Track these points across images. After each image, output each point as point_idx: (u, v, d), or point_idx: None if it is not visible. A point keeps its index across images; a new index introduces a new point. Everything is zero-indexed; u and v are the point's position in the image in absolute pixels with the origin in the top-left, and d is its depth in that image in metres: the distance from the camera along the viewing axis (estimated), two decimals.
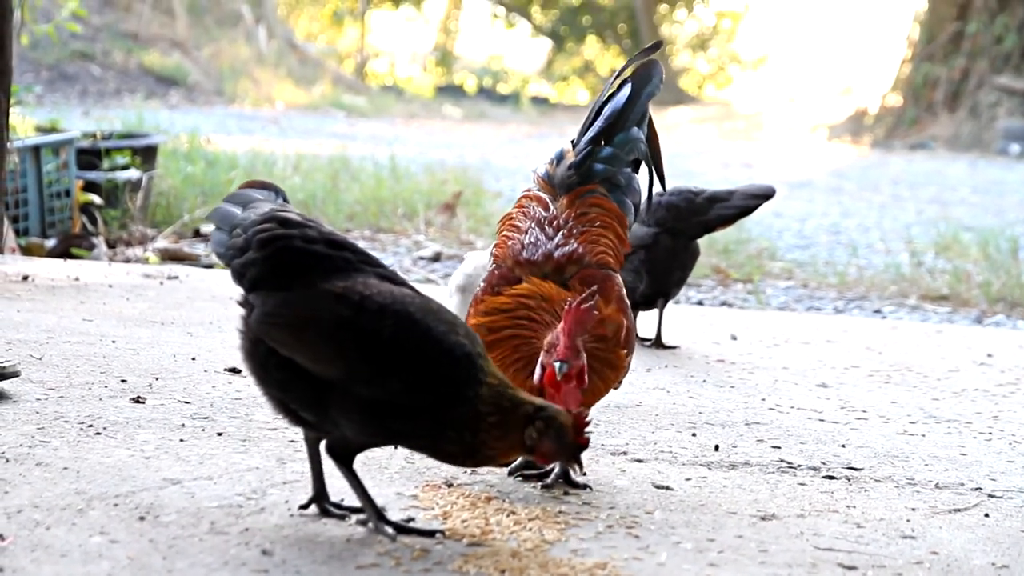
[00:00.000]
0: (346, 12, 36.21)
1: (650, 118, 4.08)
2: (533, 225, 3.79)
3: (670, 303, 6.20)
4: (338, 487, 3.34)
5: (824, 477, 4.04)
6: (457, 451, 3.09)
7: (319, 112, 24.06)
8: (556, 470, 3.73)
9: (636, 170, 4.03)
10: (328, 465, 3.26)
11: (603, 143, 3.93)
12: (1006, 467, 4.30)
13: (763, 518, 3.58)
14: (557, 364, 3.41)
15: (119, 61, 24.39)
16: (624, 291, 3.76)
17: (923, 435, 4.66)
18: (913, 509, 3.78)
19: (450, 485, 3.62)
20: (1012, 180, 17.88)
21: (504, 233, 3.83)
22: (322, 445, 3.23)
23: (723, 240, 9.72)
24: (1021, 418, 5.02)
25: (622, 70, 4.06)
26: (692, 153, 19.03)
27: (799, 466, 4.14)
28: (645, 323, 6.13)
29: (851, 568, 3.24)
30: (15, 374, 4.29)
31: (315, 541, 3.14)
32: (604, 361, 3.63)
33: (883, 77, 26.61)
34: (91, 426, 3.94)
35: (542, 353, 3.48)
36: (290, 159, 12.89)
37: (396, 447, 3.40)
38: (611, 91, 4.02)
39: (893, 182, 17.08)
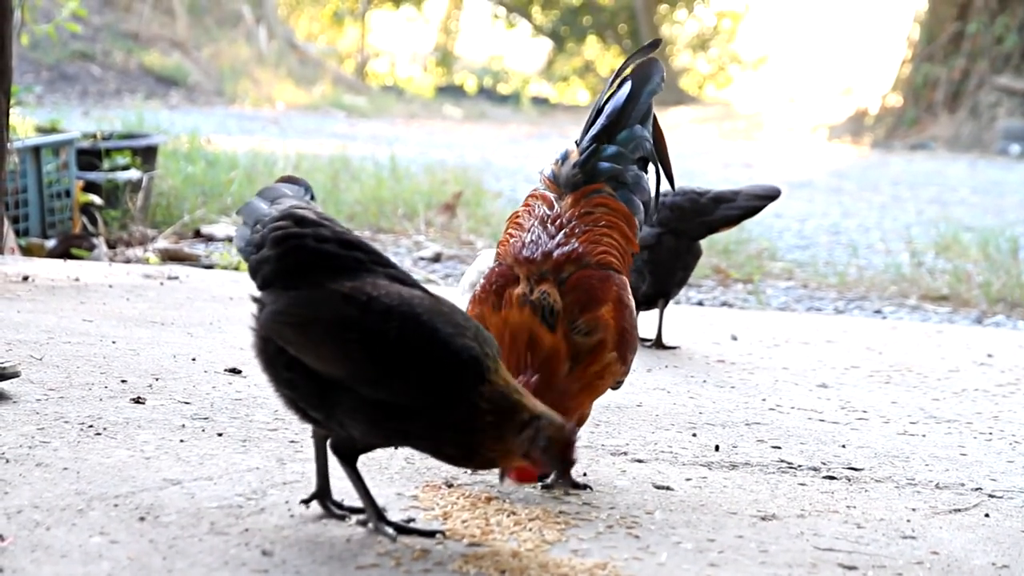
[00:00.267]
0: (346, 12, 36.24)
1: (655, 117, 4.08)
2: (536, 223, 3.79)
3: (670, 303, 6.20)
4: (338, 487, 3.34)
5: (824, 477, 4.04)
6: (456, 453, 3.09)
7: (319, 112, 24.07)
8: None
9: (644, 169, 4.02)
10: (332, 465, 3.26)
11: (607, 141, 3.92)
12: (1006, 467, 4.30)
13: (763, 518, 3.58)
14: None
15: (119, 61, 24.40)
16: (626, 291, 3.75)
17: (923, 435, 4.66)
18: (913, 509, 3.78)
19: (450, 485, 3.62)
20: (1012, 180, 17.89)
21: (508, 231, 3.83)
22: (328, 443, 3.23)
23: (723, 240, 9.73)
24: (1021, 418, 5.02)
25: (621, 69, 4.05)
26: (693, 153, 19.03)
27: (799, 466, 4.14)
28: (646, 323, 6.13)
29: (851, 568, 3.24)
30: (15, 374, 4.29)
31: (315, 541, 3.14)
32: (582, 383, 3.63)
33: (883, 77, 26.63)
34: (91, 426, 3.94)
35: None
36: (290, 159, 12.89)
37: (397, 448, 3.40)
38: (611, 90, 4.01)
39: (893, 182, 17.09)
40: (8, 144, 7.43)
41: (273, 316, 3.10)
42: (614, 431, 4.41)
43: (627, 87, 3.99)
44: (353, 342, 3.02)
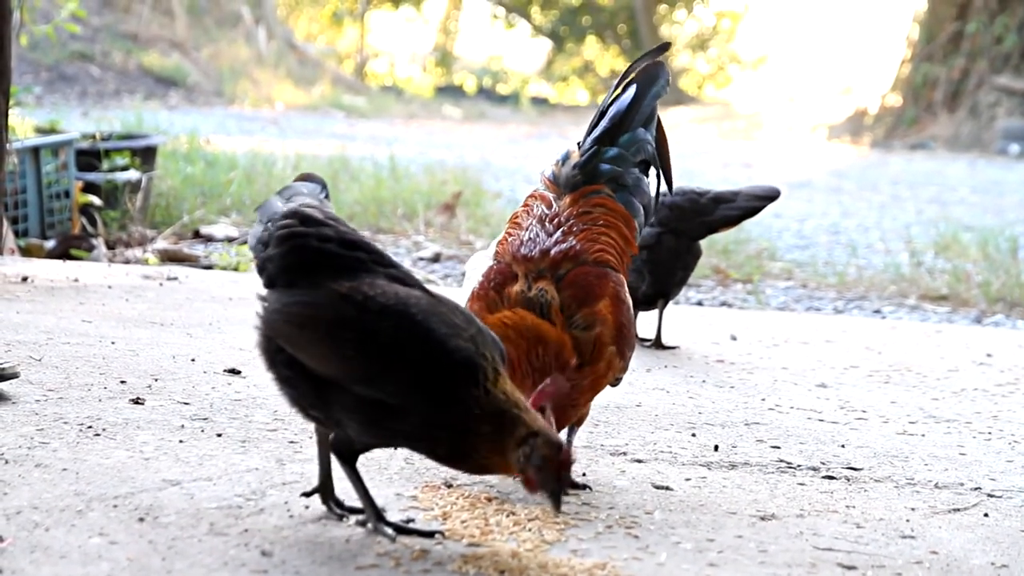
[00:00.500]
0: (346, 12, 36.24)
1: (659, 120, 4.08)
2: (534, 222, 3.80)
3: (670, 303, 6.20)
4: (338, 488, 3.33)
5: (823, 477, 4.04)
6: (449, 455, 3.08)
7: (319, 112, 24.07)
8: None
9: (645, 172, 4.02)
10: (334, 465, 3.26)
11: (609, 143, 3.92)
12: (1005, 467, 4.30)
13: (763, 518, 3.58)
14: None
15: (118, 62, 24.40)
16: (623, 289, 3.75)
17: (922, 435, 4.66)
18: (912, 509, 3.78)
19: (449, 486, 3.62)
20: (1012, 180, 17.89)
21: (508, 230, 3.84)
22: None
23: (723, 240, 9.73)
24: (1020, 418, 5.02)
25: (627, 71, 4.05)
26: (692, 153, 19.03)
27: (798, 466, 4.14)
28: (645, 323, 6.13)
29: (850, 568, 3.25)
30: (14, 375, 4.29)
31: (315, 542, 3.14)
32: (582, 389, 3.64)
33: (883, 77, 26.63)
34: (90, 427, 3.94)
35: None
36: (290, 160, 12.89)
37: (395, 448, 3.40)
38: (616, 92, 4.02)
39: (893, 182, 17.09)
40: (7, 145, 7.43)
41: (271, 314, 3.12)
42: (613, 431, 4.41)
43: (632, 90, 3.99)
44: (348, 341, 3.02)
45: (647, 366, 5.55)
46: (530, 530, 3.31)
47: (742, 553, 3.29)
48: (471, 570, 3.02)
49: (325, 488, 3.31)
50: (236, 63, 26.06)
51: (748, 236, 10.35)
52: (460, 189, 11.55)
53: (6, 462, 3.55)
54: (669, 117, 27.48)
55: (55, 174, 8.47)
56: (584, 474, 3.86)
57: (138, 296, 6.30)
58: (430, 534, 3.20)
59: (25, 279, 6.44)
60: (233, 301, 6.33)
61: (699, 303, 8.49)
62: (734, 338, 6.33)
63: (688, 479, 3.92)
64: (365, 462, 3.62)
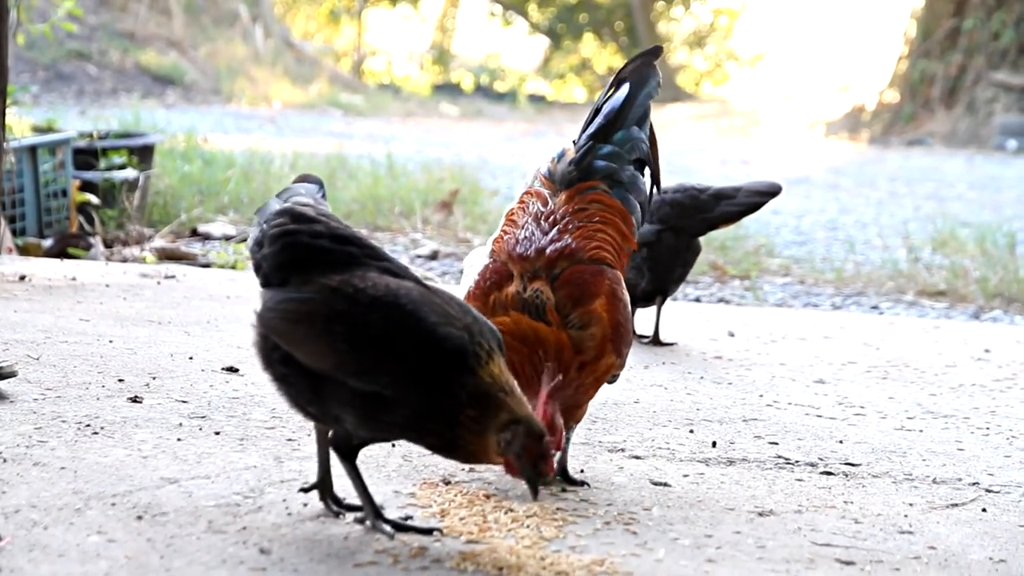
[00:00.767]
0: (343, 10, 36.23)
1: (650, 121, 4.08)
2: (530, 220, 3.80)
3: (668, 300, 6.20)
4: (337, 485, 3.34)
5: (821, 473, 4.05)
6: (439, 443, 3.09)
7: (316, 111, 24.06)
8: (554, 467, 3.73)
9: (641, 170, 4.02)
10: (333, 462, 3.27)
11: (603, 140, 3.93)
12: (1003, 462, 4.31)
13: (761, 514, 3.59)
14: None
15: (115, 60, 24.39)
16: (620, 286, 3.75)
17: (920, 430, 4.67)
18: (911, 504, 3.78)
19: (447, 483, 3.62)
20: (1009, 176, 17.89)
21: (503, 228, 3.84)
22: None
23: (721, 237, 9.72)
24: (1018, 413, 5.03)
25: (620, 71, 4.06)
26: (690, 150, 19.03)
27: (796, 462, 4.14)
28: (643, 320, 6.13)
29: (849, 563, 3.25)
30: (12, 374, 4.29)
31: (313, 539, 3.14)
32: (584, 387, 3.65)
33: (880, 73, 26.63)
34: (88, 426, 3.94)
35: None
36: (287, 158, 12.89)
37: (391, 442, 3.40)
38: (610, 91, 4.02)
39: (890, 178, 17.09)
40: (5, 144, 7.43)
41: (267, 312, 3.12)
42: (611, 428, 4.41)
43: (625, 89, 4.00)
44: (339, 335, 3.03)
45: (645, 363, 5.55)
46: (528, 527, 3.31)
47: (740, 549, 3.29)
48: (469, 567, 3.02)
49: (323, 485, 3.32)
50: (233, 61, 26.04)
51: (746, 232, 10.36)
52: (457, 187, 11.55)
53: (4, 461, 3.55)
54: (666, 114, 27.52)
55: (52, 173, 8.47)
56: (582, 470, 3.86)
57: (136, 295, 6.30)
58: (428, 531, 3.21)
59: (23, 278, 6.44)
60: (231, 299, 6.33)
61: (697, 299, 8.49)
62: (732, 334, 6.34)
63: (686, 475, 3.92)
64: (363, 459, 3.62)
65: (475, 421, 3.02)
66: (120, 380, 4.54)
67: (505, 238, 3.77)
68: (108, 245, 8.57)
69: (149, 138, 10.01)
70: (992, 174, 18.08)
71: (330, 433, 3.22)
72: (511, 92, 33.37)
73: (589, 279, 3.66)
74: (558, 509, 3.48)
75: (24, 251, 7.91)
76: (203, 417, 4.15)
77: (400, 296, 3.07)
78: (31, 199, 8.36)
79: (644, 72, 4.04)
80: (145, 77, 24.29)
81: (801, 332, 6.51)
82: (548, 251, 3.69)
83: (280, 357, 3.12)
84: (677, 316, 6.63)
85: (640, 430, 4.40)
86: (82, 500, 3.28)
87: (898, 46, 25.61)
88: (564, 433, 3.52)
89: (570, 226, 3.75)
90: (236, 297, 6.38)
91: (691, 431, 4.44)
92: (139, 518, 3.19)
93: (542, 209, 3.81)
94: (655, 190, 4.13)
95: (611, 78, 4.09)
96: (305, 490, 3.37)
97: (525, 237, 3.74)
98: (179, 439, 3.88)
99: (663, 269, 5.99)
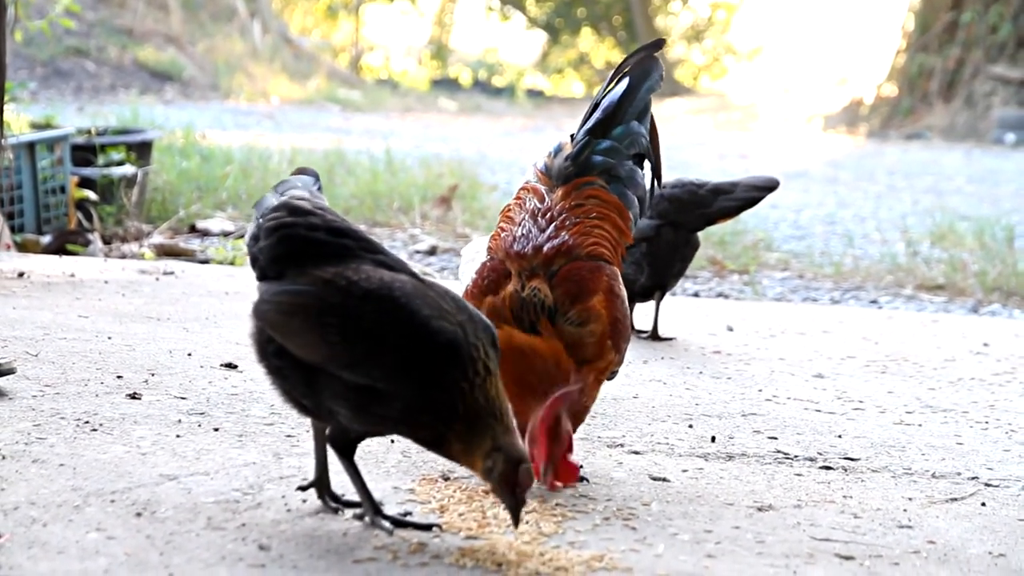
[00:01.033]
0: (340, 6, 36.19)
1: (651, 115, 4.08)
2: (527, 217, 3.79)
3: (667, 295, 6.20)
4: (336, 481, 3.34)
5: (821, 467, 4.05)
6: (428, 439, 3.09)
7: (314, 106, 24.04)
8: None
9: (640, 165, 4.02)
10: (331, 459, 3.27)
11: (601, 135, 3.92)
12: (1003, 456, 4.31)
13: (760, 509, 3.59)
14: (542, 467, 3.46)
15: (114, 57, 24.37)
16: (617, 282, 3.75)
17: (920, 425, 4.67)
18: (910, 499, 3.78)
19: (447, 479, 3.62)
20: (1007, 169, 17.89)
21: (500, 225, 3.84)
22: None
23: (719, 231, 9.72)
24: (1017, 407, 5.03)
25: (621, 65, 4.05)
26: (688, 144, 19.02)
27: (796, 457, 4.14)
28: (641, 315, 6.13)
29: (848, 558, 3.25)
30: (11, 371, 4.29)
31: (312, 536, 3.14)
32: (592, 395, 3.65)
33: (878, 67, 26.63)
34: (87, 422, 3.94)
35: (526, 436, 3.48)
36: (285, 154, 12.88)
37: (385, 435, 3.40)
38: (610, 86, 4.01)
39: (889, 172, 17.08)
40: (3, 140, 7.43)
41: (261, 304, 3.13)
42: (610, 423, 4.41)
43: (625, 83, 3.99)
44: (332, 327, 3.03)
45: (644, 358, 5.55)
46: (527, 522, 3.31)
47: (739, 544, 3.29)
48: (468, 563, 3.02)
49: (321, 482, 3.32)
50: (231, 57, 26.02)
51: (744, 227, 10.35)
52: (456, 182, 11.55)
53: (3, 458, 3.55)
54: (664, 109, 27.49)
55: (51, 169, 8.46)
56: (581, 466, 3.85)
57: (134, 291, 6.30)
58: (427, 527, 3.21)
59: (21, 275, 6.44)
60: (229, 295, 6.33)
61: (696, 294, 8.49)
62: (731, 329, 6.34)
63: (685, 470, 3.92)
64: (362, 455, 3.62)
65: (462, 438, 3.04)
66: (119, 376, 4.54)
67: (502, 235, 3.77)
68: (107, 241, 8.56)
69: (147, 134, 10.00)
70: (990, 168, 18.07)
71: (327, 430, 3.22)
72: (509, 87, 33.33)
73: (587, 276, 3.66)
74: (557, 505, 3.48)
75: (22, 248, 7.91)
76: (202, 413, 4.15)
77: (394, 289, 3.08)
78: (29, 196, 8.36)
79: (645, 66, 4.03)
80: (143, 73, 24.27)
81: (800, 326, 6.51)
82: (545, 248, 3.68)
83: (275, 350, 3.13)
84: (676, 311, 6.63)
85: (639, 425, 4.40)
86: (81, 497, 3.28)
87: (896, 40, 25.61)
88: (572, 436, 3.52)
89: (567, 222, 3.75)
90: (235, 293, 6.38)
91: (690, 426, 4.44)
92: (138, 515, 3.19)
93: (539, 206, 3.81)
94: (656, 183, 4.13)
95: (610, 72, 4.08)
96: (303, 488, 3.37)
97: (522, 234, 3.73)
98: (178, 435, 3.88)
99: (662, 264, 5.99)
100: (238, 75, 25.23)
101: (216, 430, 3.97)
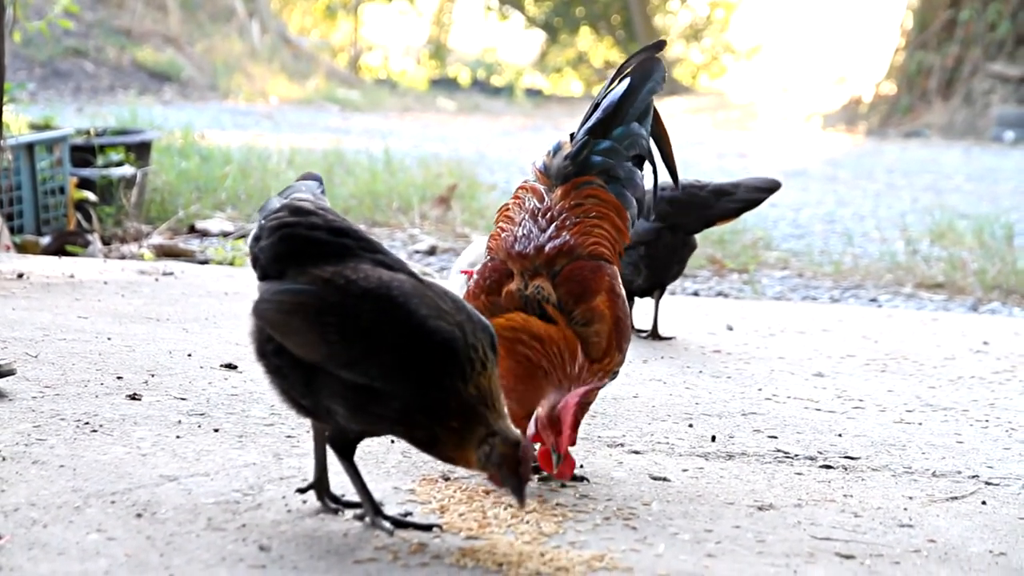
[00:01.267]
0: (339, 6, 36.17)
1: (657, 115, 4.07)
2: (527, 217, 3.79)
3: (666, 293, 6.20)
4: (336, 482, 3.34)
5: (821, 467, 4.05)
6: (424, 439, 3.09)
7: (313, 106, 24.03)
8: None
9: (639, 166, 4.02)
10: (331, 460, 3.27)
11: (601, 135, 3.92)
12: (1003, 454, 4.31)
13: (760, 508, 3.59)
14: (554, 456, 3.45)
15: (112, 57, 24.35)
16: (618, 281, 3.76)
17: (920, 423, 4.67)
18: (910, 498, 3.78)
19: (447, 479, 3.62)
20: (1006, 167, 17.88)
21: (499, 224, 3.83)
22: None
23: (718, 231, 9.70)
24: (1017, 405, 5.03)
25: (623, 65, 4.04)
26: (687, 143, 19.00)
27: (796, 456, 4.14)
28: (641, 315, 6.13)
29: (849, 557, 3.25)
30: (11, 372, 4.29)
31: (313, 536, 3.14)
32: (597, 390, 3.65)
33: (877, 65, 26.61)
34: (87, 423, 3.94)
35: (537, 418, 3.47)
36: (284, 154, 12.87)
37: (383, 435, 3.40)
38: (611, 86, 4.01)
39: (888, 170, 17.08)
40: (2, 141, 7.43)
41: (261, 303, 3.14)
42: (611, 422, 4.41)
43: (626, 83, 3.98)
44: (331, 325, 3.04)
45: (644, 357, 5.55)
46: (528, 522, 3.31)
47: (740, 543, 3.29)
48: (469, 563, 3.02)
49: (320, 484, 3.32)
50: (230, 57, 26.00)
51: (744, 226, 10.34)
52: (455, 182, 11.54)
53: (3, 459, 3.55)
54: (663, 108, 27.35)
55: (50, 170, 8.46)
56: (582, 465, 3.86)
57: (134, 292, 6.30)
58: (428, 527, 3.21)
59: (21, 276, 6.44)
60: (229, 296, 6.33)
61: (695, 293, 8.49)
62: (730, 328, 6.34)
63: (685, 470, 3.92)
64: (362, 456, 3.62)
65: (456, 433, 3.04)
66: (119, 377, 4.54)
67: (503, 235, 3.77)
68: (106, 242, 8.56)
69: (146, 135, 10.00)
70: (989, 165, 18.07)
71: (327, 432, 3.23)
72: (508, 86, 33.30)
73: (589, 276, 3.66)
74: (558, 504, 3.48)
75: (22, 249, 7.91)
76: (202, 414, 4.15)
77: (392, 288, 3.08)
78: (29, 197, 8.35)
79: (647, 67, 4.02)
80: (142, 74, 24.26)
81: (800, 325, 6.51)
82: (547, 248, 3.68)
83: (274, 349, 3.13)
84: (675, 310, 6.63)
85: (639, 425, 4.40)
86: (81, 498, 3.28)
87: (895, 38, 25.59)
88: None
89: (567, 222, 3.75)
90: (234, 294, 6.38)
91: (690, 425, 4.44)
92: (138, 516, 3.19)
93: (539, 205, 3.81)
94: (673, 183, 4.14)
95: (610, 72, 4.07)
96: (302, 490, 3.37)
97: (523, 234, 3.73)
98: (178, 436, 3.88)
99: (660, 267, 5.99)
100: (237, 75, 25.22)
101: (216, 431, 3.97)
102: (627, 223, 3.88)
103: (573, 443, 3.46)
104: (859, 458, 4.16)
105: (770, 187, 6.09)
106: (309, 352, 3.08)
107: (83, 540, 3.02)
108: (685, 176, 6.15)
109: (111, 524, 3.13)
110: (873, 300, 8.46)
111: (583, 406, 3.47)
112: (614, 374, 3.78)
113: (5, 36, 6.92)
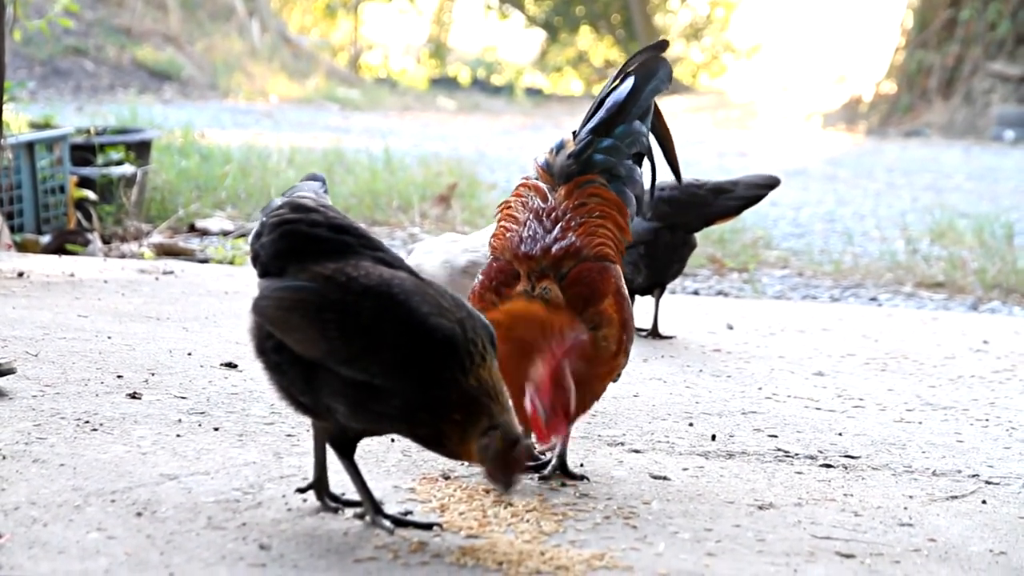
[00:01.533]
0: (339, 5, 36.16)
1: (659, 113, 4.07)
2: (531, 217, 3.78)
3: (666, 292, 6.20)
4: (336, 480, 3.34)
5: (821, 466, 4.05)
6: (427, 436, 3.10)
7: (313, 105, 24.02)
8: (553, 462, 3.74)
9: (638, 163, 4.02)
10: (331, 459, 3.27)
11: (604, 134, 3.92)
12: (1003, 453, 4.31)
13: (760, 507, 3.59)
14: (541, 412, 3.42)
15: (112, 56, 24.35)
16: (622, 282, 3.76)
17: (920, 422, 4.67)
18: (910, 497, 3.78)
19: (447, 478, 3.62)
20: (1006, 166, 17.88)
21: (502, 224, 3.82)
22: None
23: (718, 230, 9.70)
24: (1017, 404, 5.03)
25: (626, 64, 4.04)
26: (687, 142, 18.99)
27: (796, 455, 4.14)
28: (641, 313, 6.12)
29: (849, 556, 3.25)
30: (11, 371, 4.29)
31: (313, 535, 3.14)
32: (595, 376, 3.62)
33: (877, 64, 26.60)
34: (87, 422, 3.94)
35: (528, 384, 3.45)
36: (284, 153, 12.87)
37: (383, 434, 3.40)
38: (614, 84, 4.01)
39: (888, 169, 17.08)
40: (2, 140, 7.42)
41: (262, 300, 3.15)
42: (611, 421, 4.41)
43: (629, 82, 3.98)
44: (331, 322, 3.05)
45: (644, 356, 5.55)
46: (528, 521, 3.31)
47: (740, 542, 3.29)
48: (469, 562, 3.02)
49: (320, 483, 3.32)
50: (230, 56, 25.99)
51: (744, 225, 10.34)
52: (455, 181, 11.54)
53: (3, 458, 3.55)
54: (664, 107, 27.38)
55: (50, 169, 8.46)
56: (582, 464, 3.86)
57: (134, 290, 6.30)
58: (428, 526, 3.21)
59: (21, 274, 6.44)
60: (229, 295, 6.33)
61: (695, 292, 8.49)
62: (731, 327, 6.34)
63: (686, 469, 3.92)
64: (362, 454, 3.62)
65: (460, 425, 3.04)
66: (119, 376, 4.54)
67: (507, 235, 3.76)
68: (106, 241, 8.56)
69: (146, 134, 9.99)
70: (990, 165, 18.06)
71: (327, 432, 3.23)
72: (508, 85, 33.28)
73: (597, 278, 3.66)
74: (558, 503, 3.48)
75: (22, 248, 7.90)
76: (202, 413, 4.15)
77: (392, 285, 3.09)
78: (29, 196, 8.35)
79: (651, 66, 4.02)
80: (142, 72, 24.25)
81: (800, 324, 6.51)
82: (554, 250, 3.67)
83: (273, 345, 3.14)
84: (675, 309, 6.63)
85: (639, 424, 4.40)
86: (81, 497, 3.29)
87: (895, 37, 25.58)
88: (572, 399, 3.47)
89: (573, 223, 3.74)
90: (234, 292, 6.38)
91: (690, 424, 4.44)
92: (139, 514, 3.19)
93: (542, 205, 3.80)
94: (676, 179, 4.15)
95: (610, 71, 4.07)
96: (302, 490, 3.37)
97: (528, 235, 3.72)
98: (178, 435, 3.88)
99: (660, 266, 5.99)
100: (237, 74, 25.21)
101: (216, 429, 3.97)
102: (628, 220, 3.88)
103: (560, 404, 3.43)
104: (859, 457, 4.16)
105: (769, 184, 6.09)
106: (309, 349, 3.09)
107: (83, 539, 3.02)
108: (685, 175, 6.18)
109: (111, 523, 3.13)
110: (873, 299, 8.46)
111: (561, 365, 3.43)
112: (616, 376, 3.78)
113: (5, 35, 6.92)
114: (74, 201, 8.64)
